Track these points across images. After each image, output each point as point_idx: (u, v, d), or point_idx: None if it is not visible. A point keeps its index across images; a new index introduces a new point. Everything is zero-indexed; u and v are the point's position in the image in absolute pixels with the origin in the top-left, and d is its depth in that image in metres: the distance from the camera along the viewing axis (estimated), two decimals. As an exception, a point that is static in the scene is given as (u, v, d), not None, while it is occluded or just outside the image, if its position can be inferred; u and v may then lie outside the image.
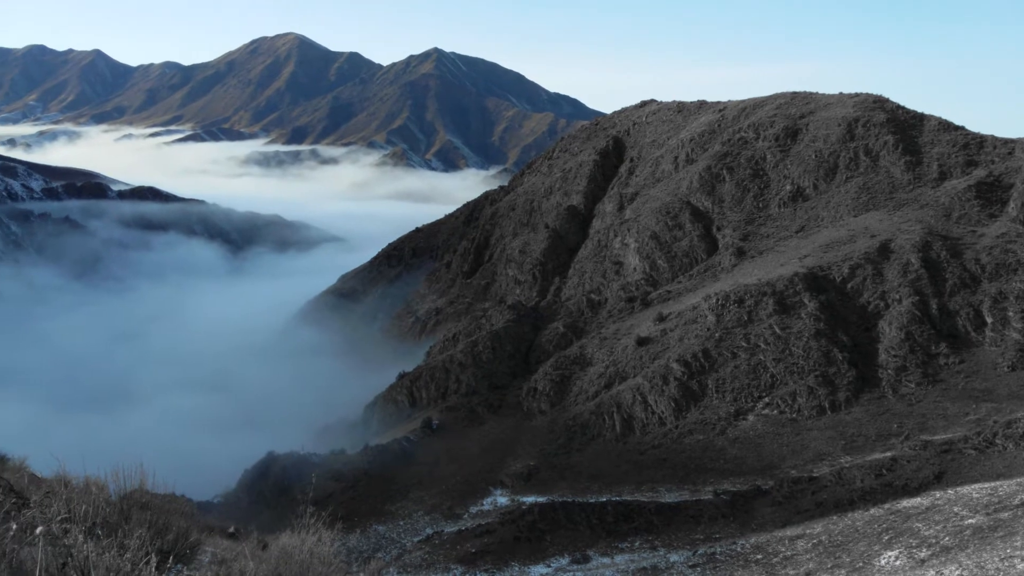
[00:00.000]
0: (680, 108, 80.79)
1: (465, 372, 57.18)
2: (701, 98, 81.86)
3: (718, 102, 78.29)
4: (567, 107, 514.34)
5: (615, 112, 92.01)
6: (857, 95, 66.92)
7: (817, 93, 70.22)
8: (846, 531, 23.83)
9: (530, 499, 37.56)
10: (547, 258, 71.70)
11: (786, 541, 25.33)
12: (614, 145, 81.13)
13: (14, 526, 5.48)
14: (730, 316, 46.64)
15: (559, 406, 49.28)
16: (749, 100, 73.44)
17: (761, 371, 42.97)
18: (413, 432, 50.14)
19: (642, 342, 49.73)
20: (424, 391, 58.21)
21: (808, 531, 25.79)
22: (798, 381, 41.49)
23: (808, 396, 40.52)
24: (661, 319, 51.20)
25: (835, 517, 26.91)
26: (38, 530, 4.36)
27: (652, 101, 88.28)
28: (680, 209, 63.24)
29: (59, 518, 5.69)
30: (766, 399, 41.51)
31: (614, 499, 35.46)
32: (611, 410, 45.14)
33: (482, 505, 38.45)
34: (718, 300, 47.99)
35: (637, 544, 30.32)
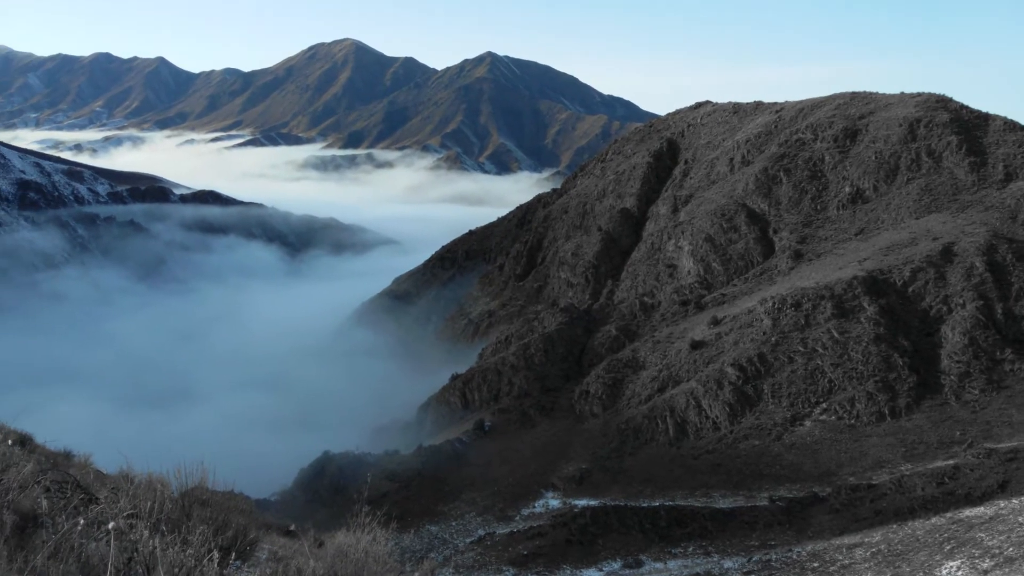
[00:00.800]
0: (736, 109, 79.82)
1: (517, 374, 57.32)
2: (757, 99, 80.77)
3: (775, 103, 77.15)
4: (621, 109, 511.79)
5: (669, 114, 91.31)
6: (919, 95, 65.32)
7: (877, 93, 68.73)
8: (906, 540, 23.29)
9: (582, 502, 37.48)
10: (600, 261, 71.48)
11: (844, 550, 24.86)
12: (668, 147, 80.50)
13: (82, 521, 5.70)
14: (787, 320, 45.91)
15: (611, 409, 49.08)
16: (807, 100, 72.24)
17: (819, 376, 42.20)
18: (466, 433, 50.45)
19: (696, 346, 49.25)
20: (476, 393, 58.51)
21: (867, 540, 25.27)
22: (857, 386, 40.65)
23: (867, 402, 39.67)
24: (716, 323, 50.65)
25: (895, 526, 26.31)
26: (109, 525, 4.55)
27: (707, 102, 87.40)
28: (735, 211, 62.49)
29: (125, 514, 5.92)
30: (824, 405, 40.75)
31: (667, 504, 35.19)
32: (664, 414, 44.80)
33: (534, 507, 38.50)
34: (774, 304, 47.28)
35: (690, 550, 30.05)
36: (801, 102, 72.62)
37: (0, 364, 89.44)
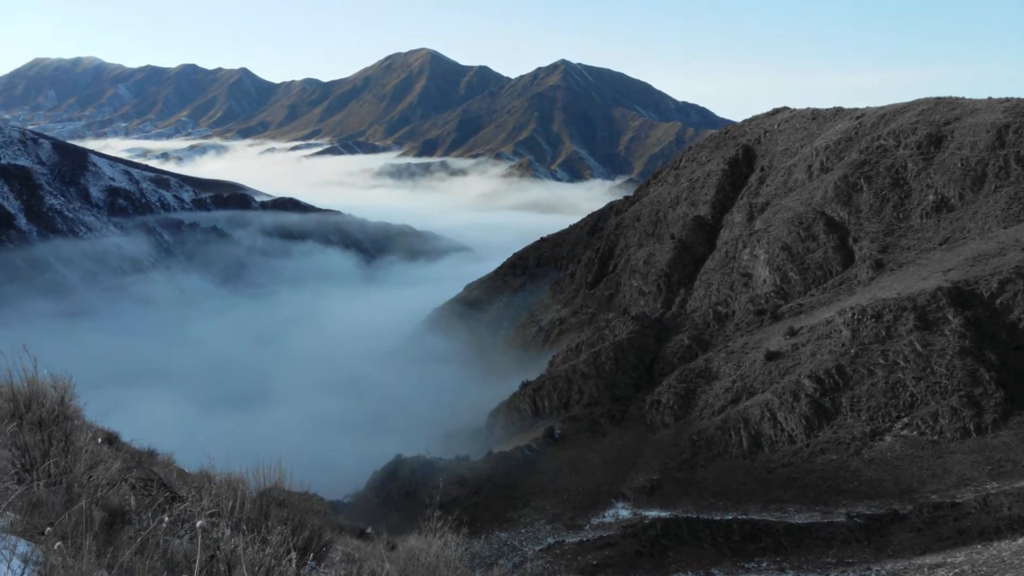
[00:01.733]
0: (815, 115, 78.08)
1: (588, 382, 57.13)
2: (837, 105, 78.85)
3: (855, 109, 75.20)
4: (695, 116, 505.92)
5: (745, 120, 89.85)
6: (1007, 100, 62.77)
7: (963, 98, 66.33)
8: (991, 562, 22.39)
9: (653, 513, 37.12)
10: (672, 269, 70.75)
11: (925, 569, 24.03)
12: (744, 154, 79.25)
13: (166, 518, 5.95)
14: (867, 331, 44.64)
15: (683, 420, 48.48)
16: (889, 106, 70.21)
17: (900, 390, 40.90)
18: (535, 441, 50.50)
19: (771, 357, 48.29)
20: (546, 400, 58.52)
21: (949, 560, 24.39)
22: (940, 401, 39.25)
23: (951, 417, 38.26)
24: (792, 333, 49.58)
25: (979, 546, 25.32)
26: (197, 524, 4.76)
27: (785, 108, 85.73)
28: (814, 219, 61.10)
29: (208, 513, 6.17)
30: (905, 419, 39.47)
31: (740, 517, 34.59)
32: (738, 426, 44.04)
33: (603, 517, 38.29)
34: (854, 315, 46.04)
35: (764, 565, 29.46)
36: (883, 108, 70.62)
37: (91, 363, 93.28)
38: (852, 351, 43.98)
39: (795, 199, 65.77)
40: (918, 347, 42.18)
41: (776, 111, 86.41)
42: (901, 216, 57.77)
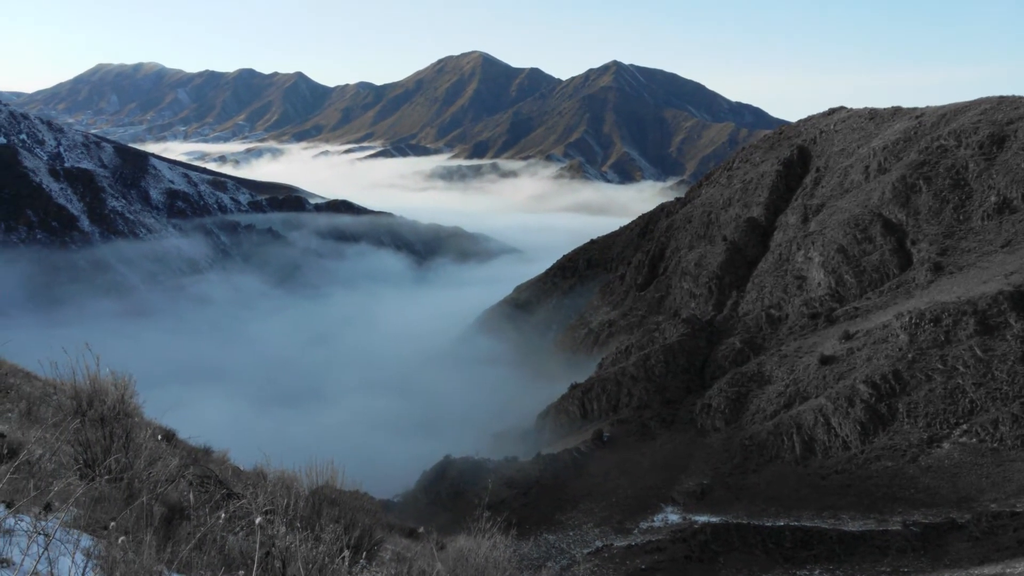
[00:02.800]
0: (872, 115, 76.48)
1: (637, 385, 56.81)
2: (895, 104, 77.10)
3: (914, 108, 73.45)
4: (749, 116, 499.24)
5: (800, 120, 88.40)
6: (1077, 97, 60.77)
7: (1028, 96, 64.35)
8: (1055, 576, 21.75)
9: (703, 518, 36.78)
10: (724, 271, 69.95)
11: (984, 582, 23.43)
12: (799, 155, 78.00)
13: (222, 515, 6.11)
14: (925, 336, 43.63)
15: (735, 424, 47.93)
16: (949, 105, 68.43)
17: (959, 396, 39.88)
18: (584, 443, 50.39)
19: (826, 361, 47.49)
20: (595, 403, 58.33)
21: (1009, 570, 23.72)
22: (1001, 408, 38.16)
23: (1012, 424, 37.18)
24: (847, 337, 48.68)
25: (1043, 560, 24.59)
26: (257, 521, 4.90)
27: (841, 108, 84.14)
28: (871, 221, 59.87)
29: (264, 510, 6.34)
30: (964, 426, 38.47)
31: (792, 524, 34.09)
32: (791, 431, 43.40)
33: (652, 521, 38.06)
34: (912, 318, 45.02)
35: (817, 572, 29.01)
36: (943, 107, 68.87)
37: (150, 362, 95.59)
38: (909, 356, 43.02)
39: (851, 200, 64.52)
40: (978, 352, 41.08)
41: (832, 111, 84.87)
42: (961, 218, 56.28)
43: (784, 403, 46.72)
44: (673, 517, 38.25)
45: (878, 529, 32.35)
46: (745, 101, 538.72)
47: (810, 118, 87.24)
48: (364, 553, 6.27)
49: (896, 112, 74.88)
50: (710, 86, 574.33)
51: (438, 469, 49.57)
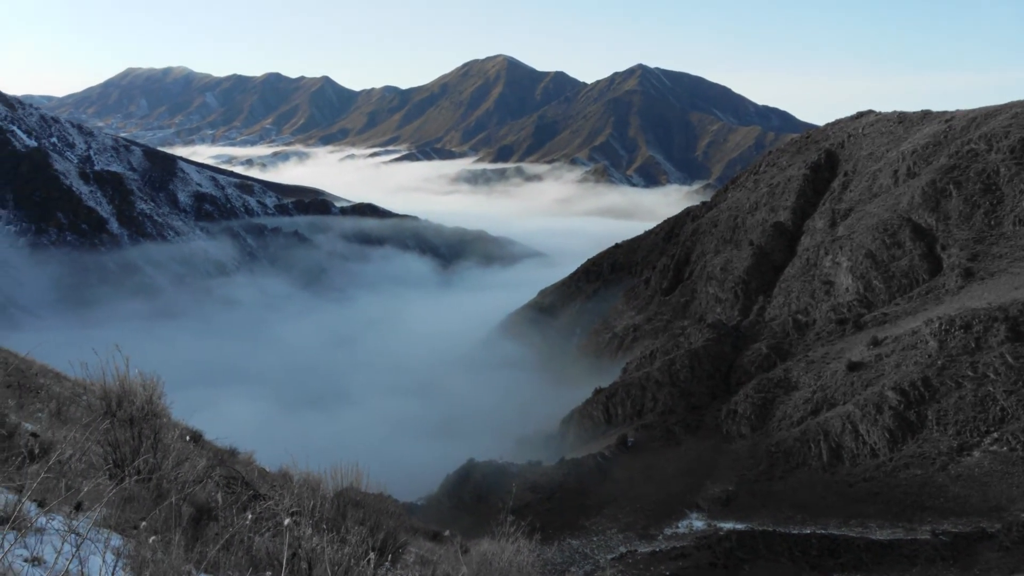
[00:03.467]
0: (901, 119, 75.64)
1: (662, 390, 56.51)
2: (924, 108, 76.17)
3: (944, 112, 72.54)
4: (775, 120, 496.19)
5: (828, 124, 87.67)
6: (1113, 100, 59.68)
7: (1062, 99, 63.31)
8: (1091, 589, 21.30)
9: (728, 525, 36.48)
10: (750, 276, 69.45)
11: (1017, 594, 23.01)
12: (826, 158, 77.30)
13: (250, 516, 6.12)
14: (955, 342, 43.00)
15: (760, 430, 47.51)
16: (980, 109, 67.50)
17: (990, 403, 39.24)
18: (608, 448, 50.17)
19: (854, 367, 46.95)
20: (620, 408, 58.09)
21: (1044, 585, 23.31)
22: (1035, 417, 37.50)
23: (1047, 434, 36.51)
24: (876, 343, 48.11)
25: (1077, 572, 24.12)
26: (285, 522, 4.90)
27: (870, 112, 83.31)
28: (899, 226, 59.17)
29: (291, 511, 6.34)
30: (995, 434, 37.83)
31: (819, 532, 33.72)
32: (818, 438, 42.94)
33: (677, 527, 37.80)
34: (941, 325, 44.39)
35: (843, 582, 28.65)
36: (973, 111, 67.95)
37: (179, 362, 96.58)
38: (939, 362, 42.42)
39: (880, 205, 63.83)
40: (1009, 359, 40.42)
41: (860, 114, 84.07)
42: (992, 223, 55.44)
43: (811, 409, 46.25)
44: (698, 523, 37.97)
45: (906, 538, 31.90)
46: (772, 104, 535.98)
47: (838, 122, 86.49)
48: (389, 556, 6.25)
49: (925, 116, 74.01)
50: (736, 89, 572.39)
51: (461, 473, 49.58)
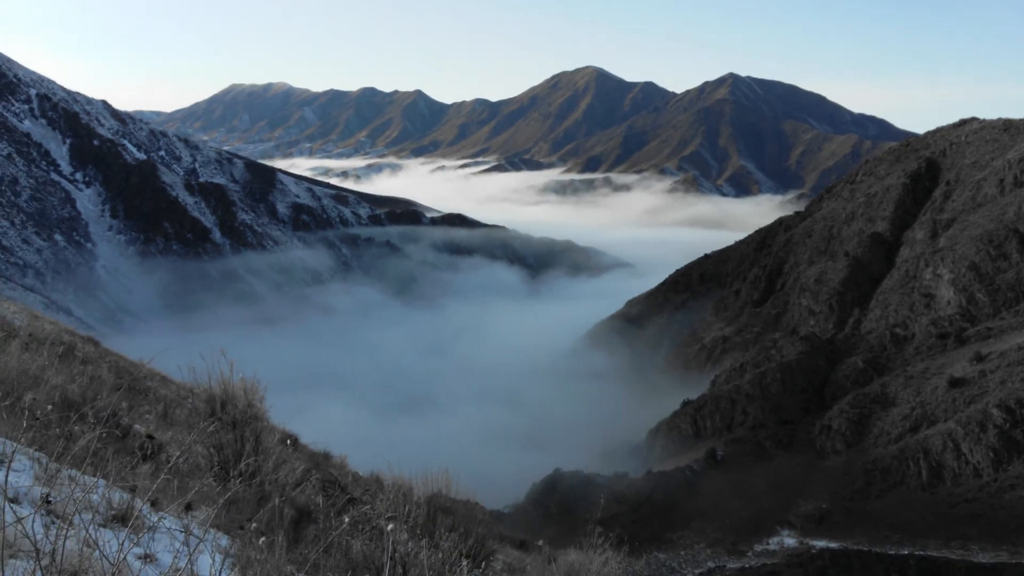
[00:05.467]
0: (1007, 126, 72.43)
1: (752, 404, 55.49)
2: (1035, 113, 72.65)
3: (1056, 117, 69.11)
4: (873, 128, 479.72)
5: (929, 132, 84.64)
6: None
7: None
8: None
9: (821, 543, 35.66)
10: (846, 288, 67.54)
11: None
12: (927, 167, 74.61)
13: (346, 519, 6.49)
14: (1066, 360, 40.97)
15: (856, 447, 46.19)
16: (1097, 113, 64.06)
17: (1106, 426, 37.24)
18: (696, 462, 49.59)
19: (956, 383, 45.20)
20: (708, 421, 57.30)
21: None
22: None
23: None
24: (979, 359, 46.19)
25: None
26: (389, 527, 5.23)
27: (973, 119, 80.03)
28: (1005, 237, 56.64)
29: (387, 516, 6.72)
30: (1112, 458, 35.90)
31: (918, 553, 32.66)
32: (917, 456, 41.51)
33: (767, 544, 37.13)
34: (1051, 341, 42.37)
35: (942, 607, 27.66)
36: (1090, 115, 64.50)
37: (277, 366, 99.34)
38: (1049, 381, 40.48)
39: (984, 215, 61.22)
40: None
41: (963, 122, 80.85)
42: (1110, 234, 52.56)
43: (910, 426, 44.74)
44: (789, 541, 37.20)
45: (1011, 562, 30.59)
46: (869, 112, 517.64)
47: (939, 129, 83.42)
48: (483, 564, 6.50)
49: (1035, 122, 70.69)
50: (832, 97, 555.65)
51: (548, 482, 49.77)
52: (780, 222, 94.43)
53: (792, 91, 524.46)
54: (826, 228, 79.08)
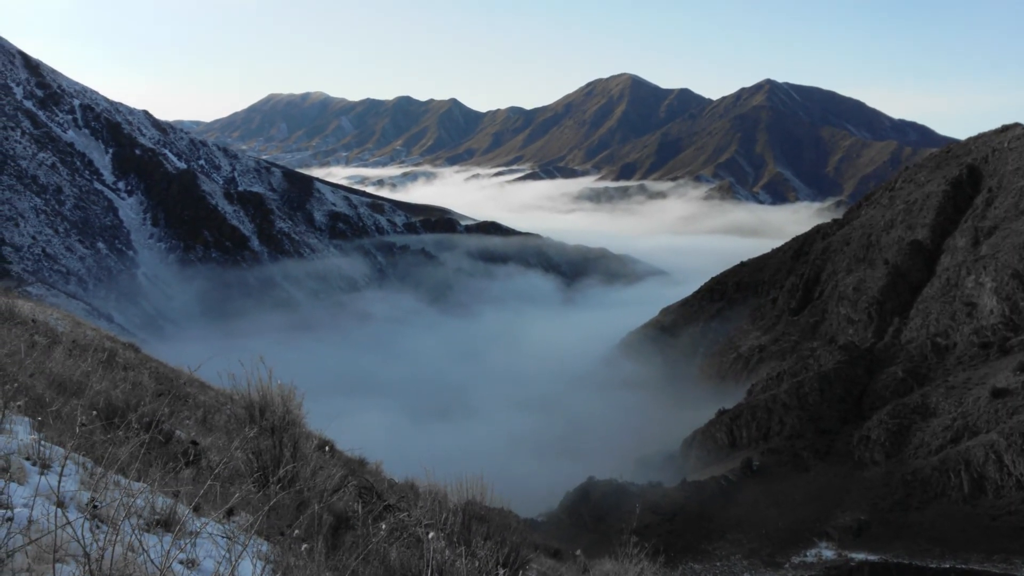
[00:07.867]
0: (1053, 130, 71.02)
1: (789, 414, 54.90)
2: (1081, 118, 71.11)
3: (1103, 122, 67.62)
4: (913, 134, 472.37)
5: (971, 138, 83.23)
6: None
7: None
8: None
9: (859, 556, 35.16)
10: (885, 296, 66.58)
11: None
12: (969, 174, 73.36)
13: (384, 526, 6.56)
14: (1115, 371, 40.00)
15: (895, 458, 45.49)
16: None
17: None
18: (732, 472, 49.17)
19: (998, 394, 44.35)
20: (744, 430, 56.80)
21: None
22: None
23: None
24: (1023, 369, 45.28)
25: None
26: (430, 535, 5.28)
27: (1016, 125, 78.55)
28: (1051, 245, 55.54)
29: (424, 523, 6.79)
30: None
31: (959, 566, 32.09)
32: (958, 467, 40.78)
33: (805, 556, 36.70)
34: (1099, 352, 41.41)
35: (985, 623, 27.11)
36: None
37: (315, 373, 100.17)
38: (1097, 392, 39.55)
39: (1029, 222, 60.07)
40: None
41: (1006, 128, 79.37)
42: None
43: (951, 437, 43.97)
44: (827, 553, 36.73)
45: (1058, 580, 29.89)
46: (909, 119, 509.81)
47: (981, 135, 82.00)
48: (519, 572, 6.52)
49: (1082, 127, 69.22)
50: (871, 103, 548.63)
51: (581, 491, 49.65)
52: (818, 229, 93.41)
53: (830, 97, 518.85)
54: (865, 236, 78.06)
